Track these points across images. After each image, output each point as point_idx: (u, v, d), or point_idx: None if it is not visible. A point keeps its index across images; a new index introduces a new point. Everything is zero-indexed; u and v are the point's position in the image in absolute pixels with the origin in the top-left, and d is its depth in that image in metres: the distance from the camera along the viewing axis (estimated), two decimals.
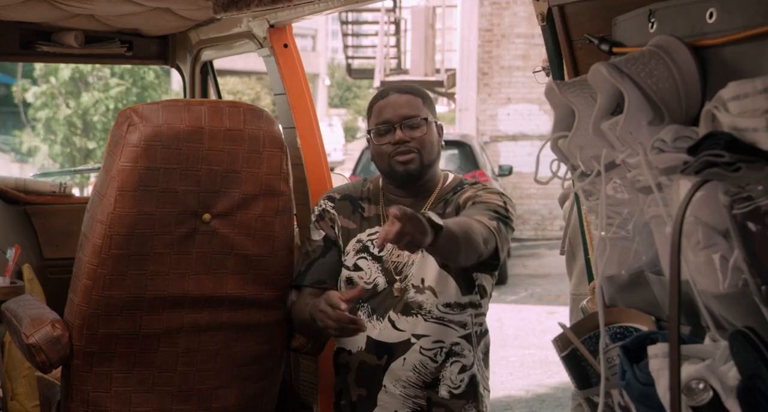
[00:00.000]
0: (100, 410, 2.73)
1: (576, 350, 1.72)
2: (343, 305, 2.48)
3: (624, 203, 1.57)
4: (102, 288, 2.64)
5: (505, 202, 2.69)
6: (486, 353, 2.81)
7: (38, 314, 2.72)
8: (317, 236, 2.83)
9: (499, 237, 2.60)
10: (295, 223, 3.00)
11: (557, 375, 6.52)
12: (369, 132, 2.79)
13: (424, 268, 2.70)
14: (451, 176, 2.83)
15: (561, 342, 1.74)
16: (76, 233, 2.78)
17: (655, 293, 1.57)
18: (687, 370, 1.33)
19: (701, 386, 1.32)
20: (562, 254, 2.34)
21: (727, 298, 1.33)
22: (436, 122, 2.78)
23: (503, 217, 2.65)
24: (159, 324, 2.72)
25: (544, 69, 2.47)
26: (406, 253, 2.69)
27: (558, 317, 7.88)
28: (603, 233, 1.61)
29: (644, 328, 1.62)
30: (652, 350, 1.39)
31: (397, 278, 2.72)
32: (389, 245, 2.72)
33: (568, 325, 1.79)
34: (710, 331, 1.40)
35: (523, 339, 7.98)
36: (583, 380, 1.73)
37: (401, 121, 2.71)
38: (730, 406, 1.30)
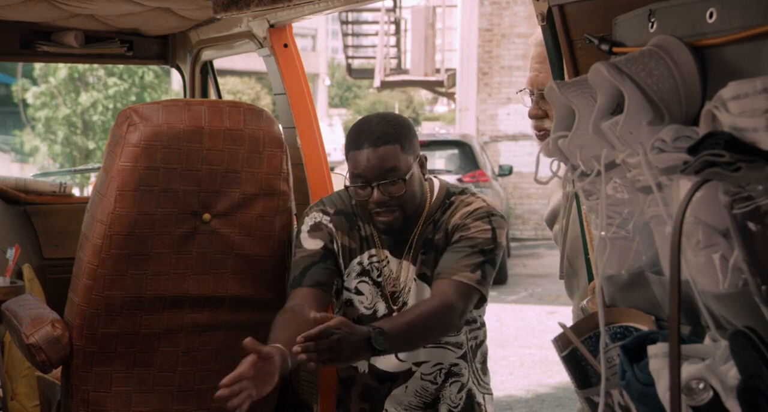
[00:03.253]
0: (100, 410, 2.73)
1: (576, 349, 1.72)
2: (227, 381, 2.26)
3: (624, 203, 1.57)
4: (102, 288, 2.64)
5: (493, 229, 2.59)
6: (483, 362, 2.78)
7: (38, 314, 2.72)
8: (314, 245, 2.66)
9: (484, 286, 2.55)
10: (295, 223, 3.00)
11: (557, 375, 6.52)
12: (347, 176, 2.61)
13: (420, 296, 2.65)
14: (436, 187, 2.69)
15: (561, 342, 1.74)
16: (76, 232, 2.78)
17: (655, 293, 1.57)
18: (687, 370, 1.33)
19: (701, 385, 1.32)
20: (561, 278, 2.33)
21: (727, 298, 1.33)
22: (418, 157, 2.61)
23: (489, 253, 2.57)
24: (159, 324, 2.72)
25: (531, 92, 2.44)
26: (402, 280, 2.66)
27: (558, 316, 7.88)
28: (603, 233, 1.61)
29: (644, 328, 1.62)
30: (652, 349, 1.39)
31: (395, 307, 2.67)
32: (386, 273, 2.67)
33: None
34: (710, 331, 1.40)
35: (523, 339, 7.98)
36: (583, 379, 1.73)
37: (379, 180, 2.53)
38: (730, 406, 1.30)
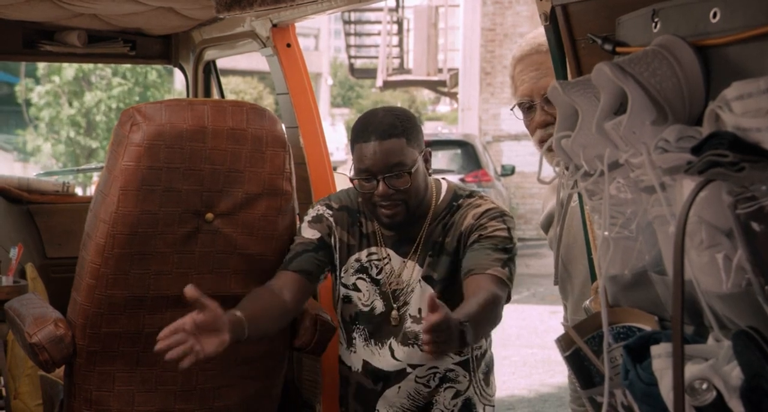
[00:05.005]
0: (102, 409, 2.73)
1: (579, 349, 1.72)
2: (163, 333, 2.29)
3: (627, 203, 1.57)
4: (105, 287, 2.64)
5: (509, 229, 2.60)
6: (487, 373, 2.76)
7: (41, 313, 2.73)
8: (311, 234, 2.71)
9: (511, 284, 2.55)
10: (298, 222, 3.00)
11: (560, 375, 6.52)
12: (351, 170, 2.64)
13: (423, 298, 2.63)
14: (444, 188, 2.71)
15: (564, 342, 1.74)
16: (79, 232, 2.78)
17: (659, 293, 1.57)
18: (690, 370, 1.33)
19: (704, 385, 1.32)
20: (556, 284, 2.32)
21: (730, 298, 1.33)
22: (423, 151, 2.63)
23: (510, 251, 2.57)
24: (162, 323, 2.71)
25: (520, 105, 2.36)
26: (405, 279, 2.66)
27: (560, 316, 7.86)
28: (606, 233, 1.61)
29: (647, 328, 1.62)
30: (655, 349, 1.39)
31: (395, 305, 2.67)
32: (387, 270, 2.67)
33: None
34: (713, 331, 1.40)
35: (526, 339, 7.98)
36: (587, 379, 1.73)
37: (384, 174, 2.55)
38: (734, 406, 1.30)
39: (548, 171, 1.85)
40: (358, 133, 2.59)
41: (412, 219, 2.64)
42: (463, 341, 2.24)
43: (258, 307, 2.50)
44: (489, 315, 2.42)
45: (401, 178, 2.56)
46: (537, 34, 2.33)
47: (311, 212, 2.76)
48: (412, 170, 2.57)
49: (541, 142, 2.33)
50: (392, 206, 2.58)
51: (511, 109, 2.40)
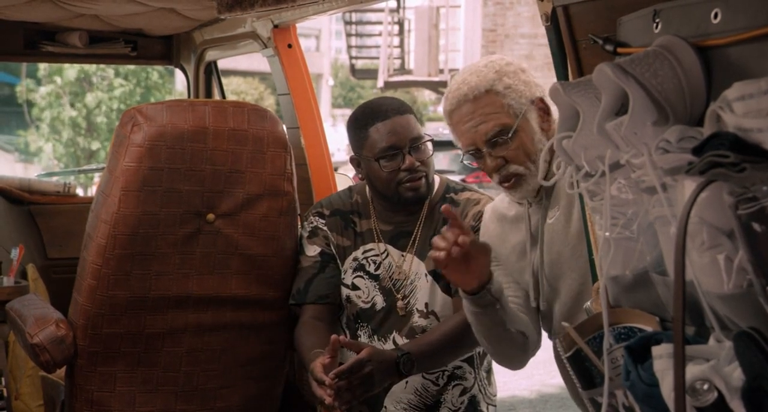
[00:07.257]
0: (103, 410, 2.73)
1: (580, 350, 1.72)
2: (327, 380, 2.35)
3: (628, 204, 1.57)
4: (106, 288, 2.64)
5: None
6: (489, 371, 2.78)
7: (42, 314, 2.73)
8: (312, 251, 2.77)
9: None
10: (299, 223, 3.00)
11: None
12: (364, 158, 2.65)
13: (430, 293, 2.67)
14: (437, 181, 2.75)
15: (565, 342, 1.74)
16: (80, 232, 2.78)
17: (660, 294, 1.57)
18: (691, 370, 1.33)
19: (706, 386, 1.32)
20: (538, 307, 2.29)
21: (731, 298, 1.33)
22: None
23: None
24: (163, 324, 2.73)
25: (478, 150, 2.24)
26: (406, 272, 2.69)
27: None
28: (607, 234, 1.61)
29: (648, 328, 1.62)
30: (656, 350, 1.39)
31: (399, 296, 2.69)
32: (386, 265, 2.71)
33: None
34: (715, 331, 1.40)
35: None
36: (588, 380, 1.73)
37: (410, 145, 2.62)
38: (735, 407, 1.30)
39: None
40: (370, 116, 2.64)
41: (410, 215, 2.69)
42: (399, 372, 2.43)
43: (320, 338, 2.58)
44: (457, 343, 2.53)
45: (424, 149, 2.63)
46: (455, 81, 2.26)
47: (306, 226, 2.81)
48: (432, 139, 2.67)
49: (501, 183, 2.26)
50: (416, 178, 2.62)
51: (461, 161, 2.34)
